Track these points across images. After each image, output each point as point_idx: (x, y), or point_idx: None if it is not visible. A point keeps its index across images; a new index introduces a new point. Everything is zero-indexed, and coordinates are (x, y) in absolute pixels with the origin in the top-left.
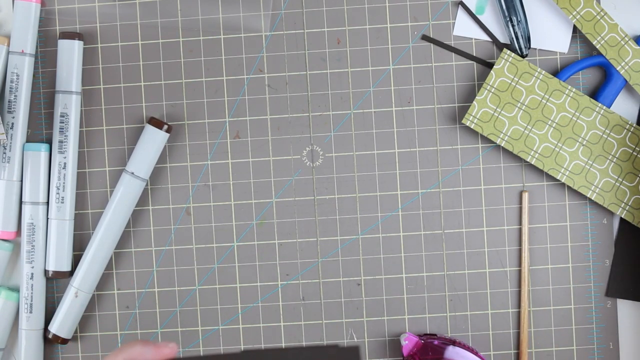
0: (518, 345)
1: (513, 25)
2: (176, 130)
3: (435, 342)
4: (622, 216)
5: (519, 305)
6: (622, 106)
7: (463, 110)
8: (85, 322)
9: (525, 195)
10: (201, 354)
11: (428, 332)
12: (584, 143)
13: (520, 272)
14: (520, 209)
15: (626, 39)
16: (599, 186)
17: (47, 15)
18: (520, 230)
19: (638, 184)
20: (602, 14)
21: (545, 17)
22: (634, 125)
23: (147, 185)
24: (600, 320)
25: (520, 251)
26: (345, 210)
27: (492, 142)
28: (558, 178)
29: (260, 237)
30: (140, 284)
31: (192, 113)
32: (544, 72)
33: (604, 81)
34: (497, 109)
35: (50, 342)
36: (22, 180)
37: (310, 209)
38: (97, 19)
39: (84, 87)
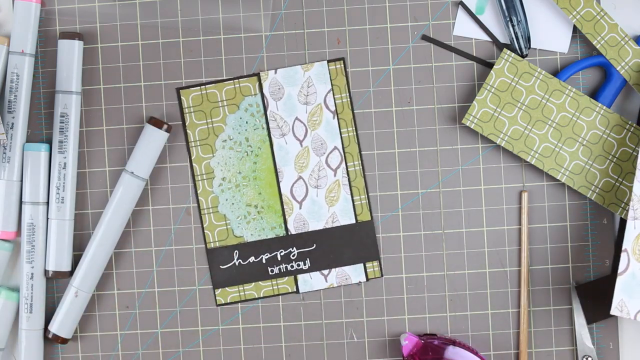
0: (518, 345)
1: (513, 25)
2: (176, 130)
3: (435, 342)
4: (622, 216)
5: (519, 305)
6: (622, 106)
7: (463, 110)
8: (85, 322)
9: (525, 195)
10: (201, 354)
11: (428, 332)
12: (584, 143)
13: (520, 272)
14: (520, 208)
15: (626, 39)
16: (599, 186)
17: (47, 15)
18: (520, 230)
19: None
20: (602, 14)
21: (545, 17)
22: (634, 125)
23: (147, 185)
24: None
25: (520, 251)
26: None
27: (492, 142)
28: (558, 178)
29: None
30: (140, 284)
31: None
32: (544, 72)
33: (604, 81)
34: (497, 109)
35: (50, 342)
36: (22, 180)
37: None
38: (97, 19)
39: (84, 87)
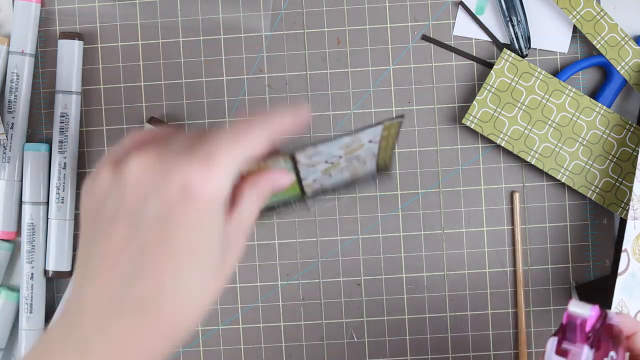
0: (518, 346)
1: (513, 25)
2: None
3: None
4: (622, 216)
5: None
6: (622, 106)
7: (463, 110)
8: None
9: (516, 196)
10: (201, 354)
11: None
12: (584, 143)
13: (515, 272)
14: (512, 209)
15: (626, 39)
16: (599, 186)
17: (47, 15)
18: (514, 230)
19: None
20: (602, 14)
21: (545, 17)
22: (634, 125)
23: None
24: None
25: (515, 251)
26: (345, 210)
27: (492, 142)
28: (558, 178)
29: (260, 237)
30: None
31: (192, 113)
32: (544, 72)
33: (604, 81)
34: (497, 109)
35: None
36: (22, 180)
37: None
38: (97, 19)
39: (84, 87)
